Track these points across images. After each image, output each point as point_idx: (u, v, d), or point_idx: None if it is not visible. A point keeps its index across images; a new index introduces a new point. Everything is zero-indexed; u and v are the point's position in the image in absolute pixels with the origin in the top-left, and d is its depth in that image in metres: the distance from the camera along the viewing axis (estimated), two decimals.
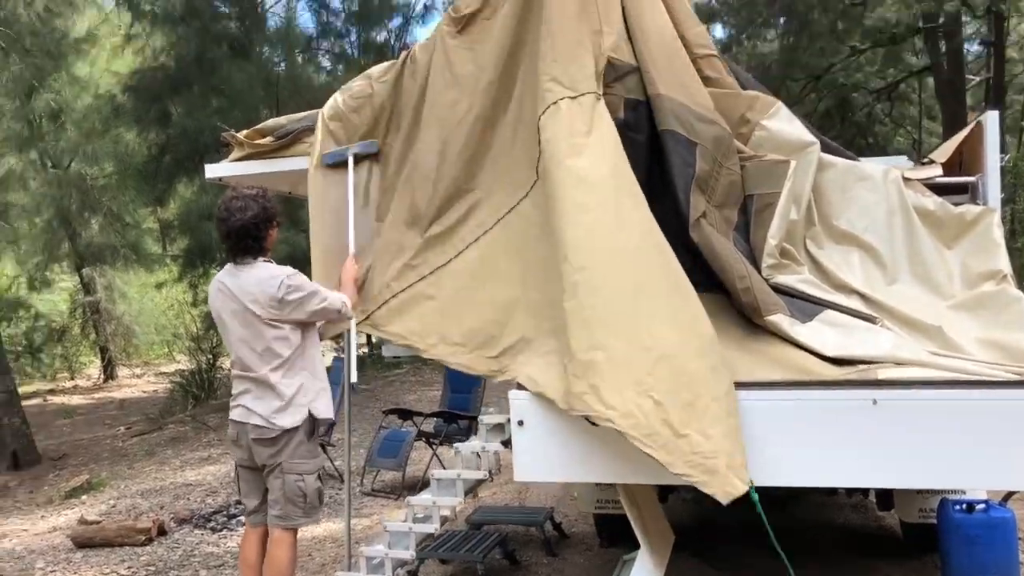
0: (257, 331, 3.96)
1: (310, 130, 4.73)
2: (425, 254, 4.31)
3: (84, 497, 9.13)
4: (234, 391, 4.15)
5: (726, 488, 3.16)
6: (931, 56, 18.26)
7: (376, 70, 4.68)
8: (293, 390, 3.99)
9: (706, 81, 4.35)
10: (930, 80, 19.87)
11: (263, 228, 4.01)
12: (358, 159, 4.56)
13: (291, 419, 3.99)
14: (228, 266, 4.13)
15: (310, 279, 4.18)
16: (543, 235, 3.90)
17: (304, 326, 4.05)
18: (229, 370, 16.07)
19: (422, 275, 4.28)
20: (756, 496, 3.20)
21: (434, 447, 7.97)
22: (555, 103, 3.93)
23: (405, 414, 8.59)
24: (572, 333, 3.47)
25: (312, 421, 4.05)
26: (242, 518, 7.29)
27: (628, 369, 3.33)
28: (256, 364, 3.99)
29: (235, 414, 4.11)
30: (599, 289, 3.51)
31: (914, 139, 24.57)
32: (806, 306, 3.84)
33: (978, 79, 20.47)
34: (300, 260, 13.84)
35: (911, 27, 17.70)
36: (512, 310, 4.01)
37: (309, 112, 4.90)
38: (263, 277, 3.96)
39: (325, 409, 4.13)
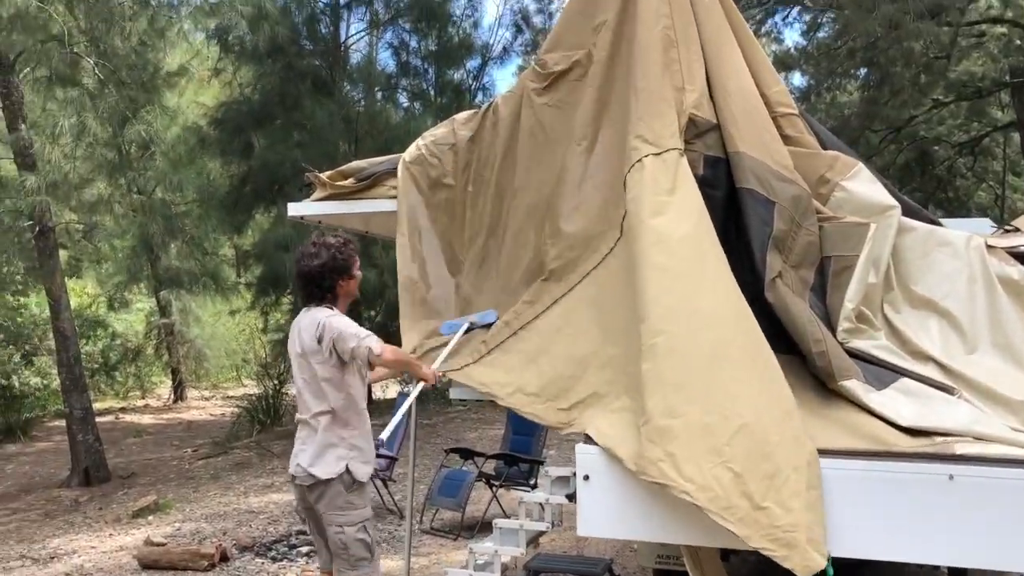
0: (311, 373, 4.01)
1: (390, 173, 4.85)
2: (518, 311, 4.37)
3: (151, 518, 9.32)
4: (297, 435, 4.18)
5: (806, 563, 3.10)
6: (1017, 111, 17.86)
7: (460, 117, 4.79)
8: (334, 440, 3.97)
9: (786, 140, 4.35)
10: (1016, 135, 19.42)
11: (328, 277, 4.01)
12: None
13: (324, 470, 3.95)
14: (303, 309, 4.18)
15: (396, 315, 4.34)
16: (625, 292, 3.92)
17: (351, 377, 4.02)
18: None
19: (513, 330, 4.34)
20: (831, 571, 3.15)
21: (494, 489, 7.97)
22: (639, 160, 3.97)
23: (466, 454, 8.61)
24: (648, 396, 3.46)
25: (351, 477, 3.99)
26: (302, 548, 7.39)
27: (706, 439, 3.31)
28: (308, 407, 4.04)
29: (293, 456, 4.15)
30: (677, 353, 3.50)
31: (997, 195, 23.96)
32: (882, 373, 3.77)
33: None
34: (369, 293, 14.02)
35: (997, 81, 17.38)
36: (587, 364, 4.03)
37: (389, 156, 5.03)
38: (312, 321, 3.99)
39: (364, 473, 4.04)
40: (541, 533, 4.63)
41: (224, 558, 7.17)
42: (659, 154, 3.98)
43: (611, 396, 3.81)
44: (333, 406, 3.96)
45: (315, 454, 3.96)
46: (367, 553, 4.02)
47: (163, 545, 7.58)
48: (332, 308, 4.05)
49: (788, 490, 3.20)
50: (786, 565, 3.13)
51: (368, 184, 4.91)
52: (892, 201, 4.20)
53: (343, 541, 3.97)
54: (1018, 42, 14.83)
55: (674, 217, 3.83)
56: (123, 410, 21.36)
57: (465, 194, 4.65)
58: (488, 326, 4.47)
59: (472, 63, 17.73)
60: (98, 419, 13.32)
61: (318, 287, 4.02)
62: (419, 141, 4.78)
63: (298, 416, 4.13)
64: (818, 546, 3.15)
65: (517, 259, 4.47)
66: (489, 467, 8.28)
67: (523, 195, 4.49)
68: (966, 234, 4.24)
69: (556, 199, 4.41)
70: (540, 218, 4.44)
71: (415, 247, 4.64)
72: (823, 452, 3.33)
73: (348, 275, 4.05)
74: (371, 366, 4.06)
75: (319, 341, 3.92)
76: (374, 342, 3.91)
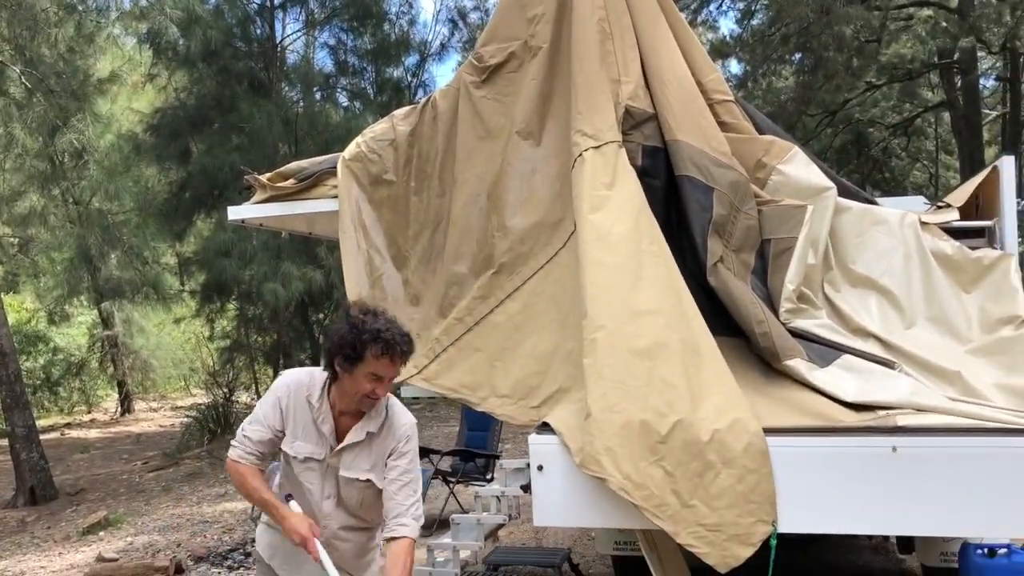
0: None
1: (331, 172, 4.81)
2: (469, 307, 4.37)
3: (102, 533, 9.14)
4: None
5: (725, 559, 3.27)
6: (947, 92, 18.34)
7: (399, 113, 4.77)
8: None
9: (723, 126, 4.39)
10: (946, 115, 19.93)
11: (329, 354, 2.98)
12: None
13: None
14: None
15: None
16: (578, 287, 3.95)
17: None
18: (246, 404, 16.10)
19: (468, 327, 4.33)
20: (775, 542, 3.23)
21: (451, 485, 7.96)
22: (580, 155, 4.00)
23: (422, 452, 8.57)
24: (590, 390, 3.51)
25: None
26: None
27: (642, 436, 3.38)
28: None
29: None
30: (616, 349, 3.55)
31: (931, 173, 24.58)
32: (824, 351, 3.84)
33: (994, 114, 20.51)
34: (315, 294, 13.89)
35: (926, 63, 17.82)
36: (551, 360, 4.05)
37: (329, 156, 4.98)
38: None
39: (259, 541, 3.31)
40: (500, 526, 4.65)
41: (179, 570, 7.06)
42: (598, 147, 4.01)
43: (574, 389, 3.83)
44: None
45: None
46: None
47: (115, 561, 7.45)
48: (325, 388, 3.06)
49: (716, 487, 3.32)
50: (707, 561, 3.30)
51: (309, 184, 4.86)
52: (828, 183, 4.28)
53: None
54: (944, 24, 15.19)
55: (613, 211, 3.87)
56: (68, 426, 20.87)
57: (407, 189, 4.63)
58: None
59: (410, 60, 17.67)
60: (43, 436, 13.01)
61: (326, 360, 3.02)
62: (359, 138, 4.74)
63: None
64: (748, 537, 3.28)
65: (462, 252, 4.46)
66: (445, 464, 8.26)
67: (464, 188, 4.48)
68: (900, 212, 4.34)
69: (501, 192, 4.40)
70: (483, 210, 4.43)
71: (360, 245, 4.61)
72: (769, 431, 3.38)
73: (350, 366, 2.90)
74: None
75: None
76: (232, 450, 3.09)
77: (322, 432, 3.03)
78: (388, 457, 3.05)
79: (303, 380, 3.07)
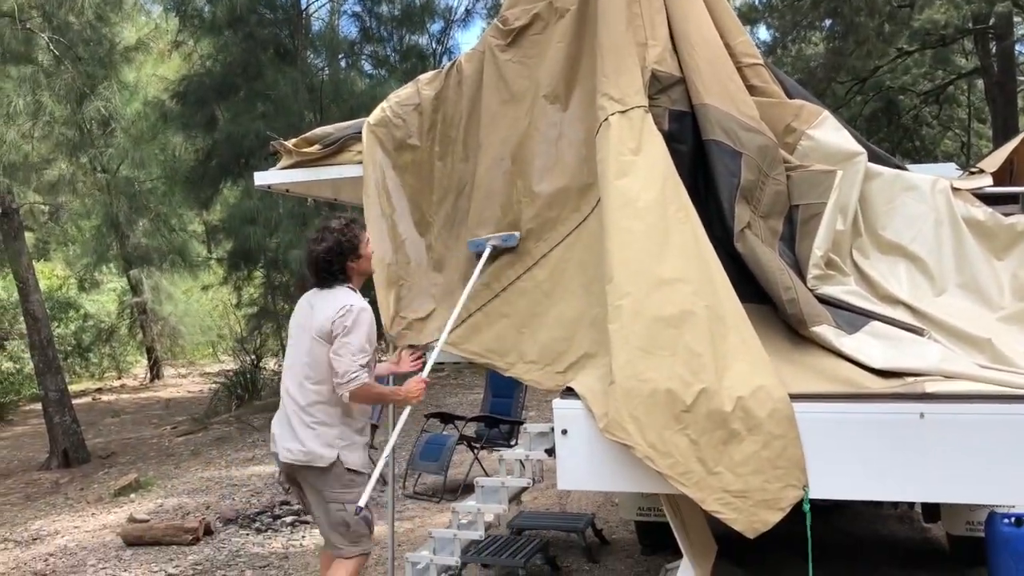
0: (316, 355, 3.96)
1: (356, 138, 4.81)
2: (497, 272, 4.37)
3: (133, 496, 9.31)
4: (278, 412, 4.15)
5: (753, 524, 3.28)
6: (981, 58, 17.99)
7: (424, 77, 4.75)
8: (332, 426, 3.97)
9: (751, 90, 4.33)
10: (979, 82, 19.56)
11: (337, 260, 4.04)
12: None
13: (326, 452, 3.94)
14: (315, 288, 4.16)
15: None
16: (603, 252, 3.94)
17: None
18: (273, 371, 16.25)
19: (495, 292, 4.35)
20: (808, 507, 3.23)
21: (475, 451, 8.02)
22: (606, 119, 3.96)
23: (447, 418, 8.65)
24: (615, 357, 3.51)
25: (345, 464, 4.00)
26: (286, 518, 7.41)
27: (668, 405, 3.38)
28: (302, 387, 4.00)
29: (275, 439, 4.12)
30: (641, 316, 3.54)
31: (963, 142, 24.16)
32: (852, 317, 3.81)
33: None
34: None
35: (960, 28, 17.45)
36: (577, 325, 4.05)
37: (355, 121, 4.97)
38: (335, 304, 3.95)
39: (357, 461, 4.04)
40: (523, 489, 4.69)
41: (208, 531, 7.19)
42: (625, 112, 3.97)
43: (599, 355, 3.83)
44: (330, 393, 3.94)
45: (311, 435, 3.94)
46: (367, 529, 4.05)
47: (146, 522, 7.59)
48: (354, 290, 4.07)
49: (741, 454, 3.31)
50: (735, 527, 3.30)
51: (334, 149, 4.86)
52: (858, 148, 4.21)
53: (344, 518, 3.97)
54: None
55: (640, 177, 3.83)
56: (99, 391, 21.23)
57: (432, 154, 4.62)
58: (511, 249, 4.38)
59: (435, 27, 17.52)
60: (75, 401, 13.23)
61: (328, 272, 4.04)
62: (384, 103, 4.73)
63: (286, 392, 4.06)
64: (775, 503, 3.28)
65: (485, 217, 4.45)
66: (470, 430, 8.32)
67: (488, 152, 4.46)
68: (932, 178, 4.27)
69: (528, 156, 4.38)
70: (507, 175, 4.41)
71: (383, 210, 4.62)
72: (796, 397, 3.37)
73: (356, 255, 4.08)
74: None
75: (333, 328, 3.89)
76: (354, 384, 3.86)
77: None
78: None
79: (360, 297, 4.01)
